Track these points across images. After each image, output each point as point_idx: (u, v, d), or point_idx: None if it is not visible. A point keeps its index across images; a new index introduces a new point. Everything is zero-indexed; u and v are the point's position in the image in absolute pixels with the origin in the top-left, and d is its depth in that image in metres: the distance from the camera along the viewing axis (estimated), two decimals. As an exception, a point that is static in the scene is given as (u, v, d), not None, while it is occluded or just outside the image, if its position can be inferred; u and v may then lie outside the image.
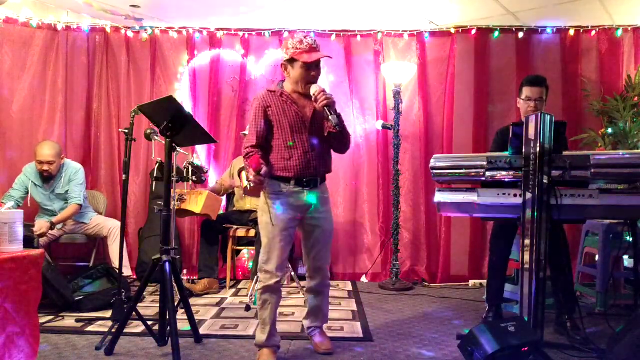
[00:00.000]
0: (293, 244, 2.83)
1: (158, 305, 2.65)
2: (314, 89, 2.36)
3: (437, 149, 4.49)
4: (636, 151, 3.59)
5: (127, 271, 3.92)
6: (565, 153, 2.45)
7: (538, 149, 2.37)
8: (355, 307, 3.55)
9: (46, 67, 4.48)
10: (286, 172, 2.44)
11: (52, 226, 3.66)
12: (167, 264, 2.57)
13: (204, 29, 4.59)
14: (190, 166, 3.42)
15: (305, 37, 2.38)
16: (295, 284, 3.98)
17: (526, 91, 3.06)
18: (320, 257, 2.57)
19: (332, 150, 2.59)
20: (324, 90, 2.36)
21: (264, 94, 2.49)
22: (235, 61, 4.62)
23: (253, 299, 3.54)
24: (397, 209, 4.31)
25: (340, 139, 2.50)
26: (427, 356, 2.63)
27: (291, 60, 2.39)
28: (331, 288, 4.12)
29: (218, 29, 4.59)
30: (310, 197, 2.47)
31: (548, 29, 4.45)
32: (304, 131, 2.44)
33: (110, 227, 3.94)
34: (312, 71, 2.40)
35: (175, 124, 2.58)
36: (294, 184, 2.45)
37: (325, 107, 2.32)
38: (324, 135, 2.49)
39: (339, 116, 2.38)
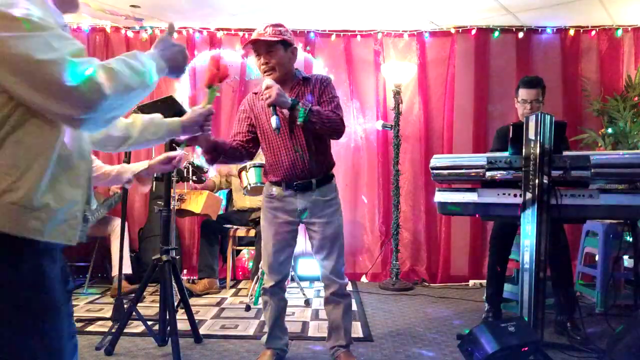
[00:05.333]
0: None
1: (158, 305, 2.65)
2: (263, 84, 2.14)
3: (437, 149, 4.49)
4: (636, 151, 3.59)
5: (128, 269, 3.91)
6: (565, 153, 2.45)
7: (538, 149, 2.37)
8: (355, 307, 3.55)
9: (46, 67, 4.48)
10: (275, 176, 2.35)
11: None
12: (167, 264, 2.57)
13: (204, 28, 4.60)
14: (190, 166, 3.42)
15: (263, 25, 2.22)
16: (295, 284, 3.98)
17: (522, 93, 3.06)
18: (326, 266, 2.38)
19: (329, 147, 2.41)
20: (269, 87, 2.10)
21: (248, 97, 2.41)
22: (235, 61, 4.62)
23: (253, 299, 3.54)
24: (397, 209, 4.31)
25: (314, 129, 2.20)
26: (427, 356, 2.63)
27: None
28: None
29: (218, 29, 4.59)
30: (301, 201, 2.33)
31: (548, 29, 4.45)
32: (284, 130, 2.25)
33: (115, 225, 3.95)
34: (261, 57, 2.20)
35: (175, 124, 2.57)
36: (285, 188, 2.34)
37: (269, 107, 2.12)
38: (313, 131, 2.25)
39: (294, 106, 2.12)
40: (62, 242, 1.14)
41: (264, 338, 2.50)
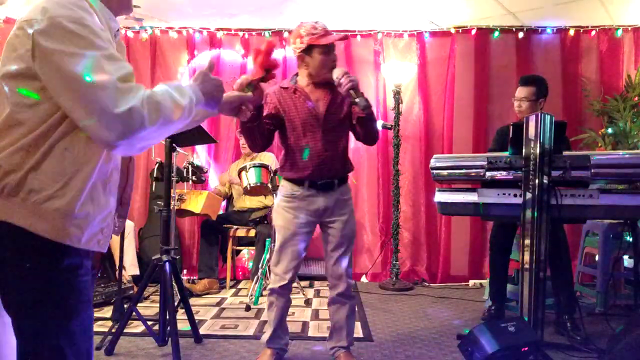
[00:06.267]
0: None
1: (158, 305, 2.65)
2: (336, 73, 2.19)
3: (437, 149, 4.49)
4: (636, 151, 3.59)
5: (134, 270, 3.92)
6: (566, 153, 2.45)
7: (538, 149, 2.37)
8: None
9: (46, 67, 4.47)
10: (299, 175, 2.32)
11: None
12: (167, 264, 2.57)
13: (204, 29, 4.59)
14: (190, 166, 3.42)
15: (316, 22, 2.27)
16: (295, 284, 3.98)
17: (516, 90, 3.14)
18: (337, 264, 2.38)
19: (349, 148, 2.43)
20: (346, 73, 2.17)
21: (276, 90, 2.36)
22: (235, 61, 4.62)
23: (253, 299, 3.54)
24: (397, 209, 4.31)
25: (369, 127, 2.29)
26: (427, 356, 2.63)
27: (308, 49, 2.25)
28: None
29: (218, 29, 4.59)
30: (324, 200, 2.33)
31: (548, 29, 4.46)
32: (317, 129, 2.28)
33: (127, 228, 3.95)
34: (332, 55, 2.27)
35: (175, 124, 2.57)
36: (308, 187, 2.32)
37: (350, 91, 2.13)
38: (341, 131, 2.33)
39: (366, 99, 2.15)
40: (96, 249, 1.17)
41: (265, 337, 2.48)
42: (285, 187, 2.40)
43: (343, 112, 2.33)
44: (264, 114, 2.28)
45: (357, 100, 2.12)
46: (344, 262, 2.40)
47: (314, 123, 2.29)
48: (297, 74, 2.39)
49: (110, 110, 1.00)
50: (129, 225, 3.96)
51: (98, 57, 1.03)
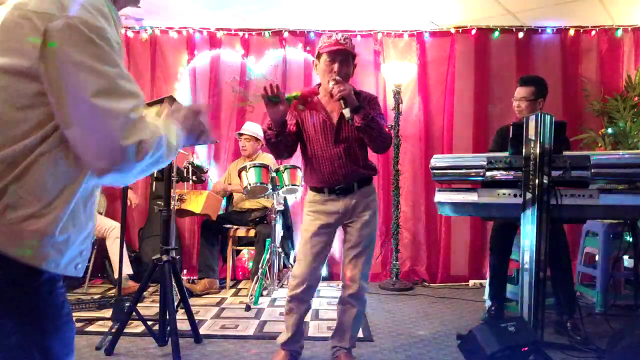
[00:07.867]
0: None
1: (158, 305, 2.65)
2: (331, 83, 2.23)
3: (437, 149, 4.49)
4: (636, 151, 3.59)
5: (127, 269, 3.91)
6: (566, 153, 2.45)
7: (538, 149, 2.37)
8: (355, 307, 3.54)
9: (46, 67, 4.47)
10: (317, 183, 2.39)
11: None
12: (167, 264, 2.57)
13: (204, 29, 4.59)
14: (190, 166, 3.42)
15: (336, 34, 2.32)
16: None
17: (515, 91, 3.13)
18: (354, 266, 2.38)
19: (368, 155, 2.43)
20: (340, 82, 2.21)
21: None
22: (235, 61, 4.62)
23: (253, 299, 3.54)
24: (397, 209, 4.31)
25: (368, 136, 2.26)
26: (427, 356, 2.63)
27: (318, 56, 2.34)
28: (331, 288, 4.16)
29: (218, 29, 4.59)
30: (344, 203, 2.36)
31: (548, 29, 4.46)
32: (330, 138, 2.33)
33: (108, 227, 3.92)
34: (335, 64, 2.27)
35: (175, 124, 2.57)
36: (328, 193, 2.37)
37: (341, 100, 2.19)
38: (356, 140, 2.34)
39: (359, 108, 2.21)
40: (73, 274, 1.06)
41: (281, 339, 2.47)
42: (309, 194, 2.46)
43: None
44: (289, 124, 2.37)
45: (343, 111, 2.22)
46: (359, 263, 2.38)
47: (327, 132, 2.34)
48: (319, 85, 2.43)
49: (117, 141, 0.92)
50: (114, 225, 3.93)
51: (113, 77, 0.93)
